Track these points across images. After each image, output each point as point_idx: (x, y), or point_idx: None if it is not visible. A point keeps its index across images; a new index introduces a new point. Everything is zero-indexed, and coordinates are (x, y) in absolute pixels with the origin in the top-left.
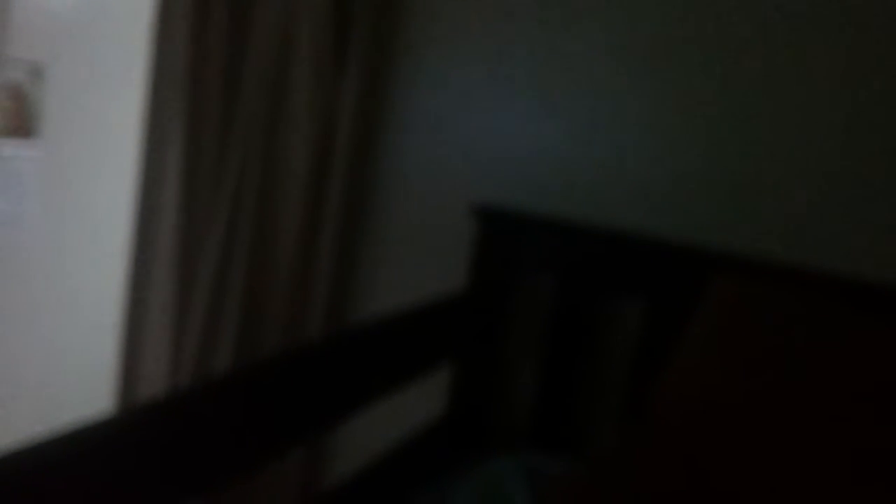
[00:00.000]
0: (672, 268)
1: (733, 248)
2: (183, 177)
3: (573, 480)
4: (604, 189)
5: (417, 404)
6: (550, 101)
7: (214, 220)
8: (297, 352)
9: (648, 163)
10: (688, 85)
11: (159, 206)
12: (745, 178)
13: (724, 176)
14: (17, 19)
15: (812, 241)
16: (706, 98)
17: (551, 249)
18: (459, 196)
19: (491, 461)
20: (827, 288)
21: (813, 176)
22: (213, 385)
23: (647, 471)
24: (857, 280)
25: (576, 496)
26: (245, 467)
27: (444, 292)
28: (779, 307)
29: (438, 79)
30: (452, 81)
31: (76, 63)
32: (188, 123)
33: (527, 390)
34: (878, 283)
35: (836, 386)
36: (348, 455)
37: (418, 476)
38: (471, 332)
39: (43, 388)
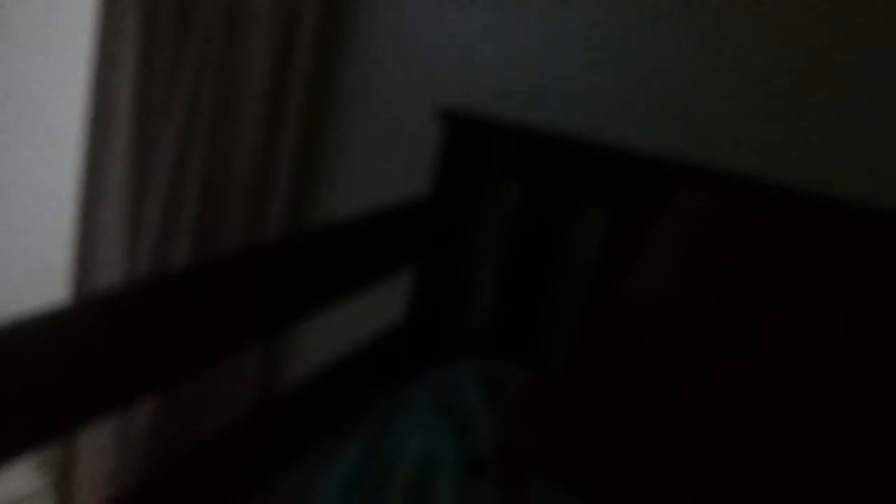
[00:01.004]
0: (638, 178)
1: (704, 161)
2: (138, 68)
3: (531, 384)
4: (572, 99)
5: (377, 309)
6: (521, 10)
7: (171, 114)
8: (255, 250)
9: (617, 75)
10: None
11: (114, 100)
12: (718, 90)
13: (697, 89)
14: None
15: (791, 159)
16: (681, 8)
17: (517, 156)
18: (425, 100)
19: (449, 365)
20: (807, 209)
21: (795, 92)
22: (169, 278)
23: (605, 374)
24: (837, 201)
25: (533, 399)
26: (200, 364)
27: (407, 196)
28: (749, 221)
29: None
30: None
31: None
32: (143, 15)
33: (488, 296)
34: (867, 208)
35: (797, 296)
36: (306, 359)
37: (375, 380)
38: (433, 236)
39: None
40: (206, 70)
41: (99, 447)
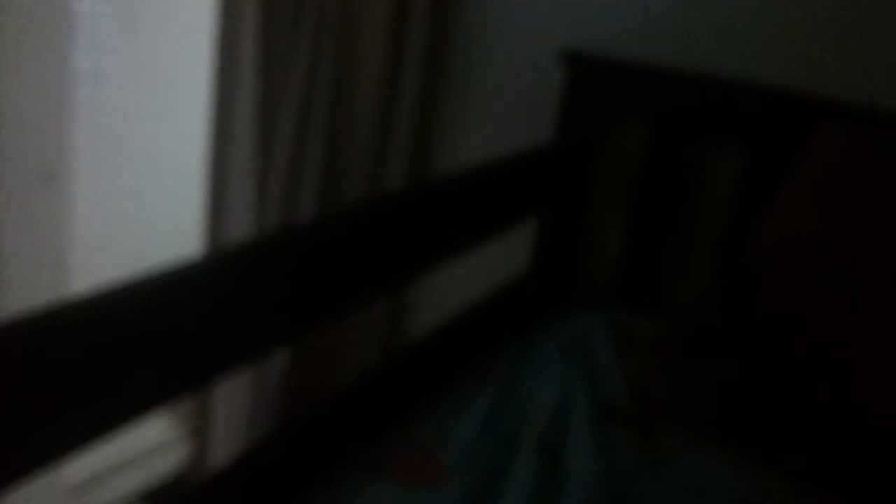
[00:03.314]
0: (773, 116)
1: (843, 96)
2: (260, 25)
3: (662, 330)
4: (700, 33)
5: (501, 260)
6: None
7: (293, 72)
8: (379, 202)
9: (745, 5)
10: None
11: (238, 58)
12: (858, 19)
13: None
14: None
15: None
16: None
17: (644, 97)
18: (545, 44)
19: (576, 316)
20: None
21: None
22: (297, 232)
23: (740, 317)
24: None
25: (666, 345)
26: (329, 315)
27: (530, 144)
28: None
29: None
30: None
31: None
32: None
33: (614, 245)
34: None
35: None
36: (432, 311)
37: (502, 330)
38: (557, 184)
39: (130, 242)
40: (326, 19)
41: (234, 398)
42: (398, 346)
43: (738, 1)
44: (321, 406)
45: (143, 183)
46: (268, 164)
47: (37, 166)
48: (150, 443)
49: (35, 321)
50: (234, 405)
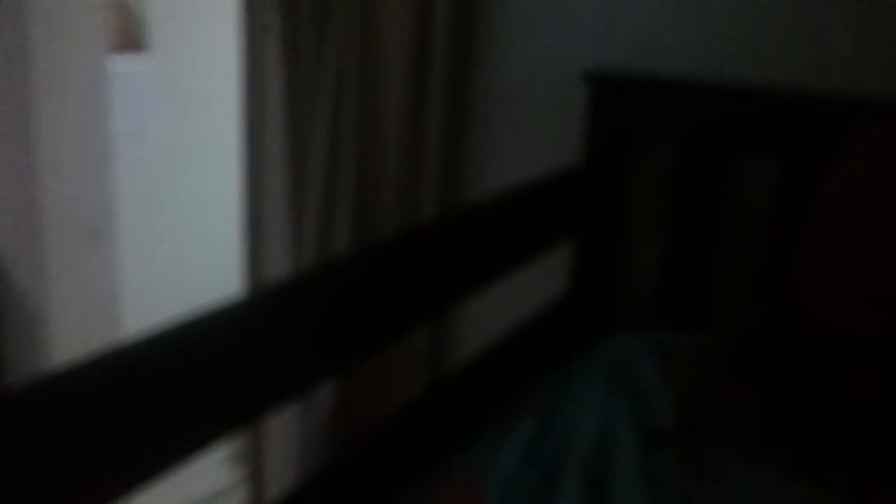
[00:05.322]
0: (808, 120)
1: (876, 94)
2: (284, 66)
3: (706, 350)
4: (723, 41)
5: (538, 285)
6: None
7: (320, 110)
8: (413, 232)
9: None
10: None
11: (264, 103)
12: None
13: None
14: None
15: None
16: None
17: (672, 113)
18: (570, 62)
19: (616, 338)
20: None
21: None
22: (334, 266)
23: (783, 336)
24: None
25: (711, 365)
26: (369, 348)
27: (559, 166)
28: None
29: None
30: None
31: None
32: (283, 13)
33: (652, 264)
34: None
35: None
36: (472, 338)
37: (542, 355)
38: (589, 205)
39: (174, 291)
40: (347, 54)
41: (284, 434)
42: (439, 376)
43: (758, 5)
44: (363, 443)
45: (183, 232)
46: (301, 204)
47: (83, 223)
48: (209, 490)
49: (89, 366)
50: (286, 441)
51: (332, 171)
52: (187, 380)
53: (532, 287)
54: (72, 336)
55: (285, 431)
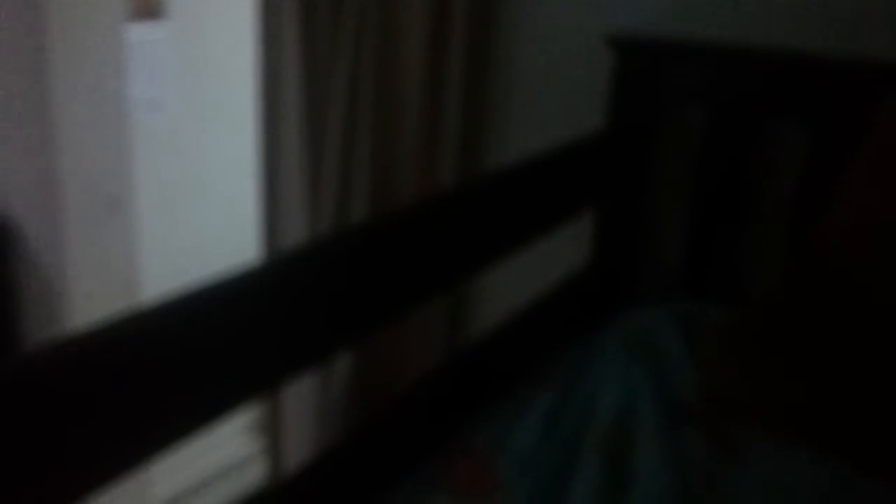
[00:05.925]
0: (837, 88)
1: None
2: (301, 32)
3: (733, 323)
4: (752, 6)
5: (560, 255)
6: None
7: (337, 76)
8: (432, 200)
9: None
10: None
11: (282, 69)
12: None
13: None
14: None
15: None
16: None
17: (699, 78)
18: (593, 27)
19: (639, 309)
20: None
21: None
22: (352, 233)
23: (812, 310)
24: None
25: (737, 339)
26: (387, 317)
27: (582, 134)
28: None
29: None
30: None
31: None
32: None
33: (676, 234)
34: None
35: None
36: (492, 309)
37: (563, 327)
38: (613, 174)
39: (190, 262)
40: (366, 21)
41: (302, 404)
42: (458, 347)
43: None
44: (379, 416)
45: (200, 201)
46: (318, 171)
47: (100, 192)
48: (228, 460)
49: (105, 332)
50: (303, 411)
51: (349, 137)
52: (205, 345)
53: (553, 258)
54: (90, 306)
55: (303, 403)
